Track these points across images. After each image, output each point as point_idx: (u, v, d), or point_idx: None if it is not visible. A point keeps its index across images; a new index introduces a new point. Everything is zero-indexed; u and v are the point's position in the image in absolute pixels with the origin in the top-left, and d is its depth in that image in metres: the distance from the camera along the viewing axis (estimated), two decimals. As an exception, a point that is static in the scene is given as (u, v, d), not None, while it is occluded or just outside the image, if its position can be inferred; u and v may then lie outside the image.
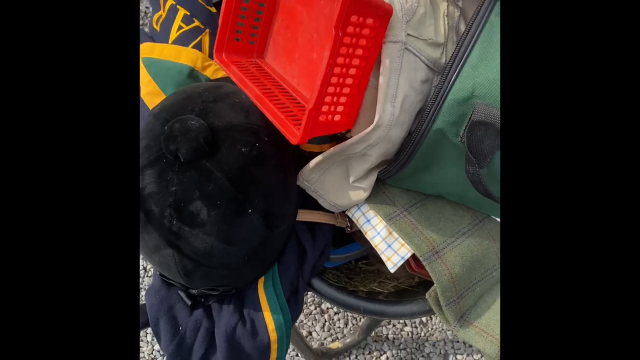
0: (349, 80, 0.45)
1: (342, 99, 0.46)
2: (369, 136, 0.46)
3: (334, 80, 0.44)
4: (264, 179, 0.49)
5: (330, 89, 0.44)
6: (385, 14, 0.44)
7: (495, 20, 0.45)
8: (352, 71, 0.45)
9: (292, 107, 0.51)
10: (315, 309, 1.12)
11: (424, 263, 0.52)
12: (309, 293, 0.68)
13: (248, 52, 0.60)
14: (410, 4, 0.46)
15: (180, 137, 0.46)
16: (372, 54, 0.45)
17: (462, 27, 0.51)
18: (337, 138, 0.59)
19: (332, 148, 0.49)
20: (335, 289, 0.60)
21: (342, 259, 0.62)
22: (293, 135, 0.45)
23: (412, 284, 0.68)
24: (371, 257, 0.70)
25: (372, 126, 0.45)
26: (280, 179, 0.52)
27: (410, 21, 0.46)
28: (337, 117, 0.47)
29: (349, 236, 0.65)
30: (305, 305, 1.14)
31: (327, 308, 1.13)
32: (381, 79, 0.45)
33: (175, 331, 0.53)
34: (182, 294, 0.55)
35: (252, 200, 0.48)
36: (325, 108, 0.45)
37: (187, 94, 0.52)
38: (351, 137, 0.48)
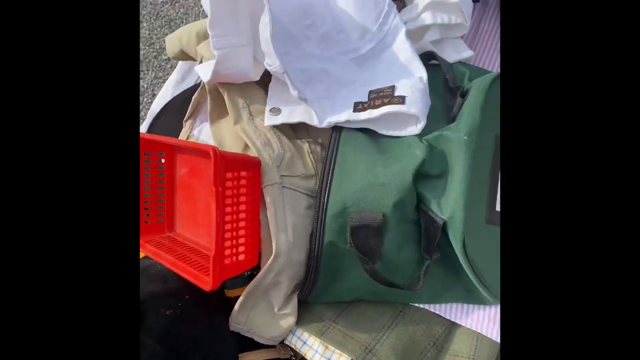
0: (242, 224, 0.53)
1: (241, 240, 0.54)
2: (273, 265, 0.53)
3: (228, 227, 0.51)
4: (194, 332, 0.54)
5: (227, 235, 0.52)
6: (254, 166, 0.54)
7: (345, 149, 0.57)
8: (242, 215, 0.53)
9: (204, 263, 0.57)
10: None
11: (361, 364, 0.57)
12: None
13: (159, 229, 0.67)
14: (277, 152, 0.57)
15: (108, 317, 0.51)
16: (255, 198, 0.54)
17: (326, 157, 0.62)
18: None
19: (247, 286, 0.55)
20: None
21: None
22: (206, 283, 0.52)
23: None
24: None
25: (272, 256, 0.53)
26: (211, 330, 0.56)
27: (280, 165, 0.57)
28: (241, 257, 0.54)
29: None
30: None
31: None
32: (269, 216, 0.54)
33: None
34: None
35: (186, 354, 0.52)
36: (227, 252, 0.52)
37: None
38: (264, 271, 0.55)
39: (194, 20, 2.01)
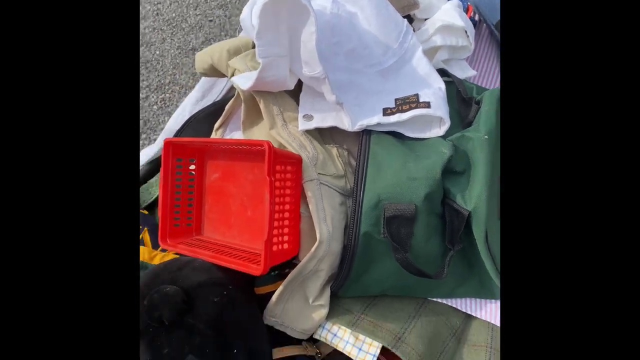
0: (286, 214, 0.58)
1: (285, 230, 0.58)
2: (316, 252, 0.57)
3: (275, 216, 0.55)
4: (239, 319, 0.56)
5: (275, 224, 0.56)
6: (298, 162, 0.59)
7: (375, 148, 0.62)
8: (287, 207, 0.58)
9: (244, 255, 0.61)
10: None
11: (392, 350, 0.60)
12: None
13: (188, 233, 0.70)
14: (312, 153, 0.62)
15: (160, 304, 0.53)
16: (297, 192, 0.59)
17: (352, 161, 0.67)
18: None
19: (289, 275, 0.59)
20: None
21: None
22: (255, 269, 0.55)
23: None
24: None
25: (316, 243, 0.57)
26: (253, 316, 0.59)
27: (316, 164, 0.62)
28: (285, 246, 0.58)
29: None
30: None
31: None
32: (311, 207, 0.58)
33: None
34: None
35: (234, 340, 0.55)
36: (275, 239, 0.56)
37: (153, 272, 0.60)
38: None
39: (171, 61, 2.08)
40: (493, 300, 0.69)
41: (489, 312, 0.68)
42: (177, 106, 1.17)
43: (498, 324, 0.67)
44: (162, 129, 1.95)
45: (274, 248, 0.56)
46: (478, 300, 0.69)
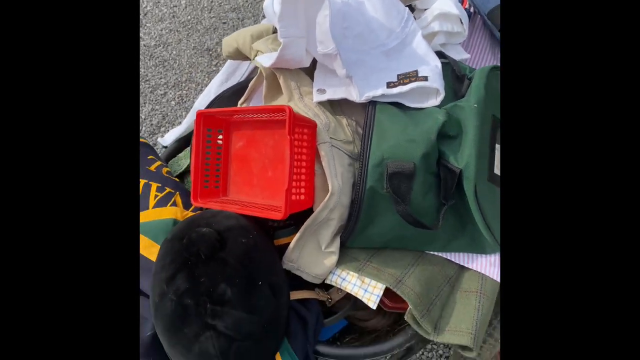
0: (303, 170, 0.68)
1: (302, 183, 0.68)
2: (329, 202, 0.67)
3: (293, 170, 0.66)
4: (263, 258, 0.67)
5: (293, 177, 0.66)
6: (313, 126, 0.69)
7: (380, 116, 0.72)
8: (303, 164, 0.68)
9: (266, 207, 0.71)
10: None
11: (394, 289, 0.70)
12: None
13: (216, 194, 0.81)
14: (325, 121, 0.72)
15: (198, 241, 0.63)
16: (312, 151, 0.69)
17: (359, 130, 0.77)
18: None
19: (305, 223, 0.68)
20: (336, 347, 0.73)
21: (334, 320, 0.76)
22: (277, 215, 0.65)
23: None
24: (353, 320, 0.84)
25: (328, 194, 0.67)
26: (273, 258, 0.69)
27: (328, 130, 0.72)
28: (302, 197, 0.68)
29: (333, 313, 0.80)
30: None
31: None
32: (324, 164, 0.68)
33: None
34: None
35: (259, 274, 0.65)
36: (293, 190, 0.66)
37: (190, 219, 0.70)
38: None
39: (187, 60, 2.19)
40: (484, 255, 0.78)
41: (480, 264, 0.78)
42: (193, 102, 1.26)
43: (487, 274, 0.76)
44: (179, 122, 2.06)
45: (293, 197, 0.66)
46: (470, 254, 0.79)
